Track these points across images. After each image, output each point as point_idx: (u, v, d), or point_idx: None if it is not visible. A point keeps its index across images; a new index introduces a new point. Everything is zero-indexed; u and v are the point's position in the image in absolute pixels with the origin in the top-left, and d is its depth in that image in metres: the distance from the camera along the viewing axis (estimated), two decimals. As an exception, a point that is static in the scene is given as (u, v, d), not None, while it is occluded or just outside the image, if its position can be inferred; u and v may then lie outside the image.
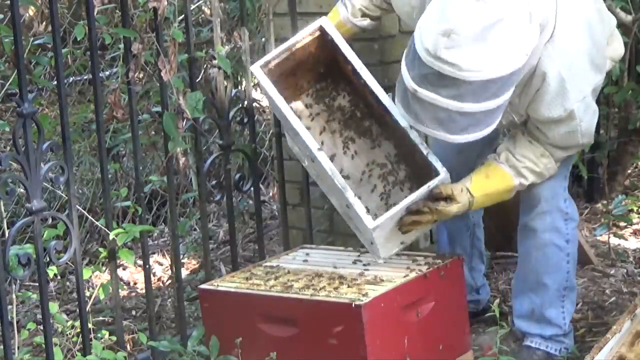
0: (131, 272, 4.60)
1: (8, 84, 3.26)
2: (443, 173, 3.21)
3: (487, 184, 3.29)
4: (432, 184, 3.20)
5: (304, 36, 3.36)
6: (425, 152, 3.25)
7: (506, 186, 3.30)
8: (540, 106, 3.18)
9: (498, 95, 2.99)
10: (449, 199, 3.23)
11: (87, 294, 3.32)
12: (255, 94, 5.41)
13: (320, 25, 3.35)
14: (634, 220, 4.66)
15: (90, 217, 3.48)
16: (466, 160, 3.48)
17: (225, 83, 3.59)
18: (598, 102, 4.89)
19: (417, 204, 3.22)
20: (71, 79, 5.02)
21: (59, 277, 4.24)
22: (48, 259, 3.01)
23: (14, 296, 3.28)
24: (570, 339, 3.53)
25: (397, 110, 3.20)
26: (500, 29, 2.93)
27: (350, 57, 3.32)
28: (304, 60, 3.41)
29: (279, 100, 3.28)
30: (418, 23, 3.03)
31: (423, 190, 3.21)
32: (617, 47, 3.48)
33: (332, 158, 3.38)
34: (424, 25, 2.98)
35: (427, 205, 3.22)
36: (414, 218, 3.23)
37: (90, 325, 3.18)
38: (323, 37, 3.36)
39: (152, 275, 3.66)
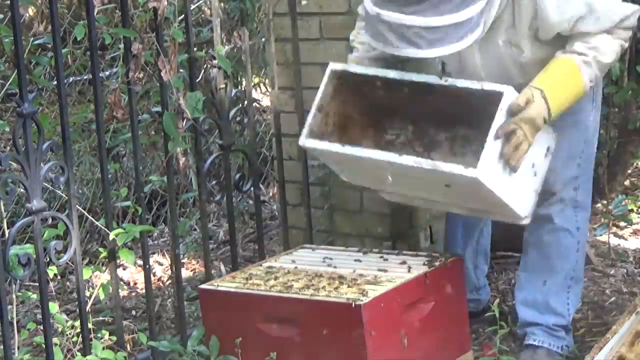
0: (131, 272, 4.60)
1: (8, 84, 3.26)
2: (506, 90, 3.14)
3: (550, 74, 3.22)
4: (502, 104, 3.13)
5: (324, 88, 3.35)
6: (479, 85, 3.19)
7: (570, 70, 3.21)
8: (548, 16, 3.16)
9: (461, 8, 3.03)
10: (527, 104, 3.15)
11: (87, 294, 3.31)
12: (255, 94, 5.41)
13: (331, 70, 3.35)
14: (634, 220, 4.66)
15: (90, 217, 3.48)
16: None
17: (225, 83, 3.59)
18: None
19: (502, 128, 3.13)
20: (71, 79, 5.02)
21: (59, 277, 4.24)
22: (48, 259, 3.01)
23: (14, 296, 3.27)
24: (570, 337, 3.53)
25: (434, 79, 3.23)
26: None
27: (372, 73, 3.33)
28: (343, 111, 3.42)
29: (334, 146, 3.29)
30: None
31: (499, 114, 3.13)
32: None
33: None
34: None
35: (513, 122, 3.13)
36: (513, 143, 3.14)
37: (90, 325, 3.17)
38: (341, 78, 3.37)
39: (152, 275, 3.66)
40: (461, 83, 3.22)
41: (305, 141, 3.33)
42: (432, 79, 3.26)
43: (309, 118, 3.36)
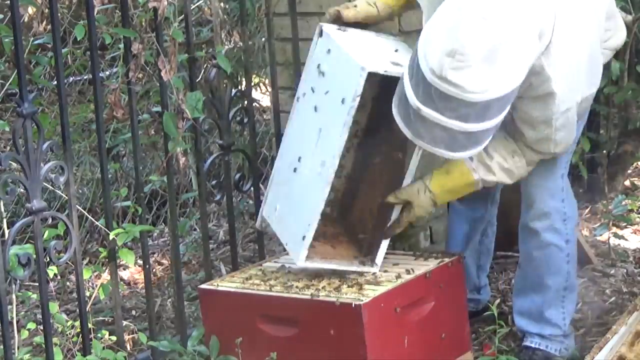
0: (131, 272, 4.60)
1: (8, 84, 3.26)
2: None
3: (447, 179, 3.29)
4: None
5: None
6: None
7: (466, 181, 3.28)
8: (524, 101, 3.13)
9: (499, 113, 2.98)
10: (409, 204, 3.28)
11: (87, 294, 3.31)
12: (255, 94, 5.41)
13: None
14: (634, 220, 4.66)
15: (90, 217, 3.48)
16: None
17: (225, 83, 3.59)
18: (598, 102, 4.91)
19: (390, 229, 3.30)
20: (71, 79, 5.02)
21: (59, 277, 4.24)
22: (48, 259, 3.01)
23: (14, 296, 3.27)
24: (570, 340, 3.53)
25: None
26: (506, 50, 2.89)
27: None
28: None
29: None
30: (420, 40, 2.97)
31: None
32: (618, 37, 3.46)
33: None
34: (429, 43, 2.93)
35: (395, 223, 3.30)
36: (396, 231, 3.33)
37: (90, 325, 3.17)
38: None
39: (152, 275, 3.66)
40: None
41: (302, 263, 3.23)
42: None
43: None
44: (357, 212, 3.43)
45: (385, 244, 3.31)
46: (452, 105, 2.90)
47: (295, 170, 3.31)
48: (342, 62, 3.21)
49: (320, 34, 3.32)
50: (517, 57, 2.92)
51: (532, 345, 3.50)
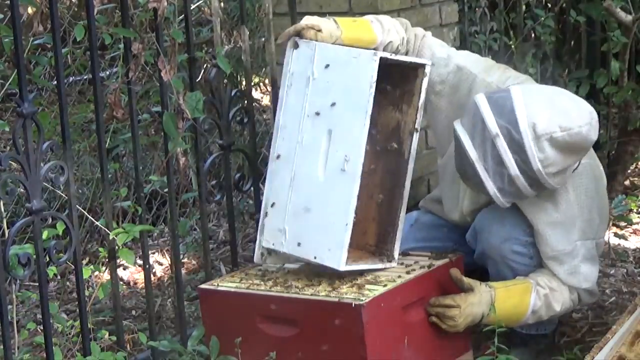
0: (131, 272, 4.60)
1: (8, 84, 3.26)
2: None
3: (506, 283, 3.36)
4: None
5: None
6: None
7: (524, 290, 3.33)
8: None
9: (536, 192, 3.21)
10: (470, 289, 3.29)
11: (87, 294, 3.31)
12: (255, 94, 5.41)
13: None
14: (634, 220, 4.66)
15: (90, 217, 3.48)
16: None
17: (225, 83, 3.59)
18: (598, 102, 4.92)
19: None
20: (71, 79, 5.02)
21: (59, 277, 4.24)
22: (48, 259, 3.01)
23: (14, 296, 3.27)
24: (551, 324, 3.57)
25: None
26: (582, 155, 3.25)
27: None
28: None
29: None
30: (517, 88, 3.18)
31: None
32: None
33: None
34: (535, 101, 3.14)
35: (455, 311, 3.27)
36: (445, 326, 3.31)
37: (90, 325, 3.17)
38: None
39: (152, 275, 3.65)
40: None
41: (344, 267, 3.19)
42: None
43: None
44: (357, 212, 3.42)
45: (399, 235, 3.29)
46: (521, 158, 3.11)
47: (298, 184, 3.28)
48: (343, 58, 3.22)
49: (296, 46, 3.33)
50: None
51: (523, 331, 3.51)
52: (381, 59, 3.16)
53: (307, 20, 3.34)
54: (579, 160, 3.26)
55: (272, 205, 3.33)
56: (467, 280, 3.28)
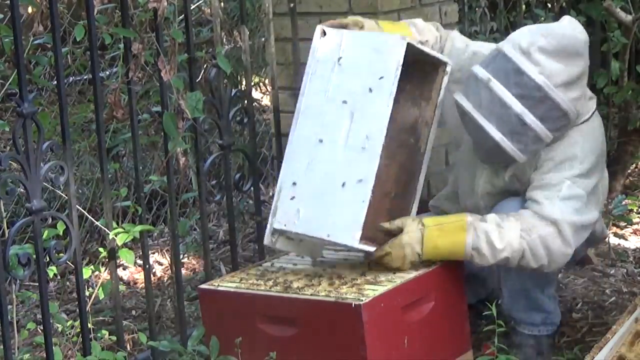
0: (131, 272, 4.60)
1: (8, 83, 3.26)
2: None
3: (443, 219, 3.34)
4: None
5: None
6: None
7: (459, 225, 3.29)
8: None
9: (551, 130, 3.21)
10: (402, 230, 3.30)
11: (87, 293, 3.31)
12: (255, 94, 5.41)
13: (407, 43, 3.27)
14: (634, 220, 4.66)
15: (90, 217, 3.48)
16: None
17: (225, 83, 3.59)
18: (598, 102, 4.92)
19: (372, 255, 3.30)
20: (71, 79, 5.02)
21: (59, 277, 4.24)
22: (48, 259, 3.01)
23: (14, 296, 3.27)
24: (556, 315, 3.55)
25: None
26: (582, 65, 3.26)
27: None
28: None
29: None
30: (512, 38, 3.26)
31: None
32: None
33: None
34: (521, 32, 3.25)
35: (379, 250, 3.29)
36: (384, 264, 3.31)
37: (90, 325, 3.17)
38: None
39: (152, 275, 3.65)
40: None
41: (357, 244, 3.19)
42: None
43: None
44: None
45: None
46: (521, 82, 3.15)
47: (316, 165, 3.29)
48: (370, 43, 3.27)
49: (324, 33, 3.33)
50: (584, 82, 3.29)
51: (526, 331, 3.50)
52: (407, 46, 3.21)
53: (352, 18, 3.44)
54: (583, 69, 3.27)
55: (289, 185, 3.32)
56: (394, 224, 3.29)
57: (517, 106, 3.17)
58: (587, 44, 3.30)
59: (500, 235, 3.23)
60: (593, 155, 3.32)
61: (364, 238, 3.20)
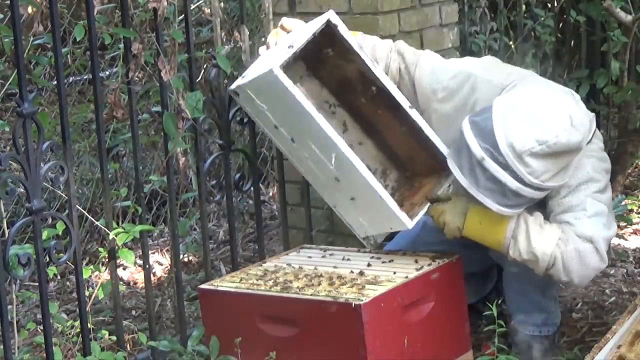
0: (131, 272, 4.60)
1: (8, 83, 3.26)
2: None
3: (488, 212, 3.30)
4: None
5: (311, 37, 3.31)
6: (443, 148, 3.34)
7: (500, 220, 3.28)
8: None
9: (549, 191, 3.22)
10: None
11: (87, 294, 3.32)
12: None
13: (328, 19, 3.30)
14: (634, 220, 4.66)
15: (90, 217, 3.48)
16: None
17: (225, 83, 3.59)
18: (598, 102, 4.90)
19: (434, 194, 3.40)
20: (71, 79, 5.02)
21: (59, 277, 4.24)
22: (48, 259, 3.01)
23: (14, 296, 3.28)
24: (556, 315, 3.55)
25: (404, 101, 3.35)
26: (574, 155, 3.19)
27: (364, 56, 3.35)
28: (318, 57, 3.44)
29: (300, 98, 3.25)
30: (500, 104, 3.16)
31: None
32: None
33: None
34: (512, 119, 3.11)
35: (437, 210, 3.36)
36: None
37: (90, 325, 3.18)
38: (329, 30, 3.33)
39: (152, 275, 3.66)
40: (426, 129, 3.36)
41: (278, 71, 3.22)
42: (403, 101, 3.35)
43: (288, 55, 3.24)
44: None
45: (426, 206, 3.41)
46: (512, 174, 3.12)
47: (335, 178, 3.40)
48: (263, 82, 3.34)
49: (236, 95, 3.51)
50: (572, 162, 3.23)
51: (527, 332, 3.51)
52: (282, 66, 3.22)
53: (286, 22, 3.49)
54: (572, 160, 3.23)
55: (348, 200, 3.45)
56: (444, 194, 3.39)
57: (512, 183, 3.12)
58: (590, 131, 3.24)
59: (540, 233, 3.25)
60: (603, 171, 3.34)
61: (408, 214, 3.34)
